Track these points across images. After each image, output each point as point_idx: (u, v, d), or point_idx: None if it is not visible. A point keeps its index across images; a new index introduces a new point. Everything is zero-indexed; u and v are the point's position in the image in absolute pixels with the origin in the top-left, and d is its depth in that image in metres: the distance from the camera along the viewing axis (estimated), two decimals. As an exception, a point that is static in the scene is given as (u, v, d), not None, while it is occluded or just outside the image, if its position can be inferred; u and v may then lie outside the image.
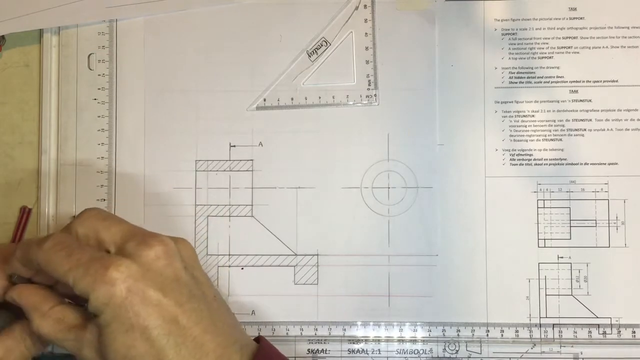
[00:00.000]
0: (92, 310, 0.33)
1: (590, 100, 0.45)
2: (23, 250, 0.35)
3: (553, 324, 0.44)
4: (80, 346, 0.34)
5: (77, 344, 0.34)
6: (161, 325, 0.33)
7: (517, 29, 0.45)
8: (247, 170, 0.45)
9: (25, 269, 0.36)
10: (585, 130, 0.45)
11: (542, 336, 0.44)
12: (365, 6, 0.45)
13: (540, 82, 0.45)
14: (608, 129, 0.45)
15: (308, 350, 0.44)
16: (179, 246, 0.36)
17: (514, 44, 0.45)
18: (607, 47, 0.45)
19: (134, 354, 0.33)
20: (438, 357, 0.44)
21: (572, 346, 0.44)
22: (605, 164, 0.45)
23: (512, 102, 0.45)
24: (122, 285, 0.32)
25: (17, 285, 0.36)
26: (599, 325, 0.44)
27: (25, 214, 0.44)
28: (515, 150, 0.45)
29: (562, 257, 0.44)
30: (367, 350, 0.44)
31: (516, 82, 0.45)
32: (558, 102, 0.45)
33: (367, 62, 0.45)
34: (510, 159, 0.45)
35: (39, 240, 0.34)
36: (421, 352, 0.44)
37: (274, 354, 0.37)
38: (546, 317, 0.44)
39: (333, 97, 0.45)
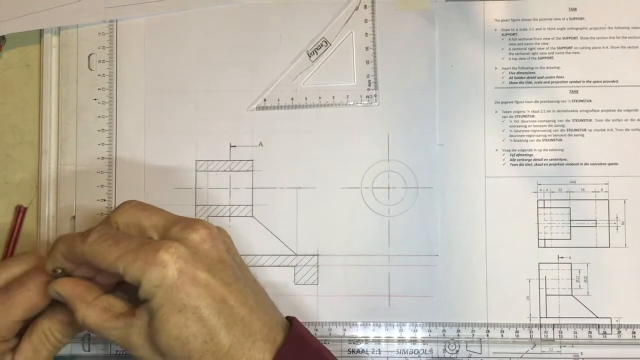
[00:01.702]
0: (143, 295, 0.33)
1: (590, 100, 0.45)
2: (66, 244, 0.35)
3: (553, 324, 0.44)
4: (128, 333, 0.34)
5: (124, 332, 0.34)
6: (212, 304, 0.33)
7: (517, 29, 0.45)
8: (247, 171, 0.45)
9: (68, 263, 0.36)
10: (585, 130, 0.45)
11: (542, 336, 0.44)
12: (365, 6, 0.45)
13: (540, 82, 0.45)
14: (608, 129, 0.45)
15: (308, 350, 0.44)
16: (219, 232, 0.37)
17: (514, 44, 0.45)
18: (607, 47, 0.45)
19: (187, 334, 0.33)
20: (438, 357, 0.44)
21: (572, 346, 0.44)
22: (605, 164, 0.45)
23: (512, 102, 0.45)
24: (173, 267, 0.33)
25: (59, 278, 0.36)
26: (599, 325, 0.44)
27: (21, 213, 0.44)
28: (515, 150, 0.45)
29: (562, 257, 0.44)
30: (367, 351, 0.44)
31: (516, 82, 0.45)
32: (558, 102, 0.45)
33: (367, 62, 0.45)
34: (510, 159, 0.45)
35: (82, 235, 0.35)
36: (421, 352, 0.44)
37: (306, 333, 0.38)
38: (546, 317, 0.44)
39: (333, 97, 0.45)
